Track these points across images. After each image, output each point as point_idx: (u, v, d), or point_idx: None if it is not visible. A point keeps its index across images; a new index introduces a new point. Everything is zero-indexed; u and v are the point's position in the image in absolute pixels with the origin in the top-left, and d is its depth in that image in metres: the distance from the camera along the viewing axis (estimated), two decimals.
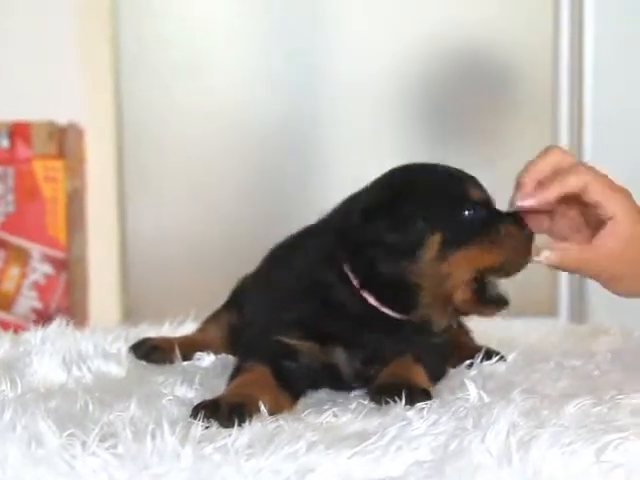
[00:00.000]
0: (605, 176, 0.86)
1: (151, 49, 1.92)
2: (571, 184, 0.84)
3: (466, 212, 0.83)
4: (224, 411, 0.76)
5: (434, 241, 0.82)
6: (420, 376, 0.85)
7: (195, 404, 0.79)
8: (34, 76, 1.89)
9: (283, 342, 0.87)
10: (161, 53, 1.92)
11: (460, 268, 0.83)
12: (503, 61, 1.91)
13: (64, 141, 1.83)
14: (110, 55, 1.89)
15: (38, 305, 1.85)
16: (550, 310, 1.80)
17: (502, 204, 0.87)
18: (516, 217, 0.86)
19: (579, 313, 1.80)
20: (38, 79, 1.89)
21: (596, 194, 0.84)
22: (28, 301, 1.84)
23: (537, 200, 0.84)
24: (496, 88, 1.90)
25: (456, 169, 0.88)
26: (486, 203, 0.86)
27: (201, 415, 0.75)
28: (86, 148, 1.92)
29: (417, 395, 0.80)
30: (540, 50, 1.88)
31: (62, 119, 1.85)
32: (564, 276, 1.83)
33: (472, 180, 0.87)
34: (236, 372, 0.87)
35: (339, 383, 0.89)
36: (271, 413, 0.78)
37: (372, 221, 0.83)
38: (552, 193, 0.84)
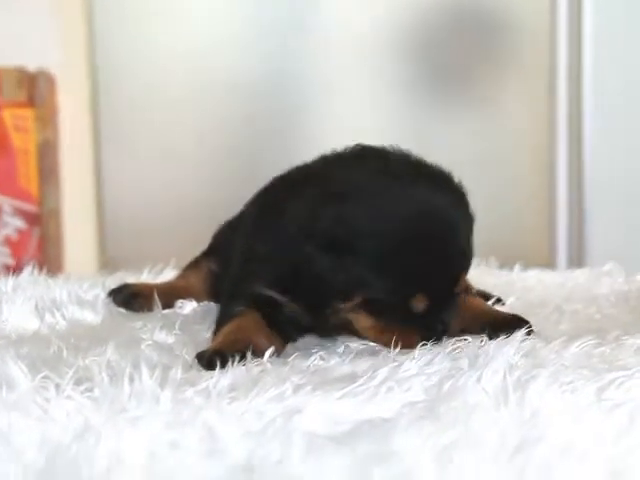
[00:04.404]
0: None
1: None
2: None
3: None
4: (231, 359, 0.74)
5: (355, 298, 0.79)
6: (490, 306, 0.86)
7: (196, 354, 0.77)
8: (2, 20, 1.81)
9: (267, 294, 0.84)
10: None
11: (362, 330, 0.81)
12: (500, 11, 1.87)
13: (34, 89, 1.76)
14: None
15: (10, 261, 1.79)
16: (547, 261, 1.78)
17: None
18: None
19: (578, 263, 1.78)
20: (6, 23, 1.81)
21: None
22: (0, 257, 1.79)
23: None
24: (493, 39, 1.86)
25: (440, 234, 0.78)
26: (427, 306, 0.78)
27: (216, 361, 0.74)
28: (58, 96, 1.85)
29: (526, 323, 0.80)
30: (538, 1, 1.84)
31: (32, 65, 1.77)
32: (562, 225, 1.80)
33: (430, 276, 0.77)
34: (224, 317, 0.84)
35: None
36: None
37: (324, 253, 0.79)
38: None
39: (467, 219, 0.82)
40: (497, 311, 0.85)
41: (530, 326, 0.80)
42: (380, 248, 0.77)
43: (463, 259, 0.80)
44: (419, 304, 0.78)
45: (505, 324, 0.80)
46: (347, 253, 0.78)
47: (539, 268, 1.23)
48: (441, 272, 0.78)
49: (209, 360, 0.76)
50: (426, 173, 0.83)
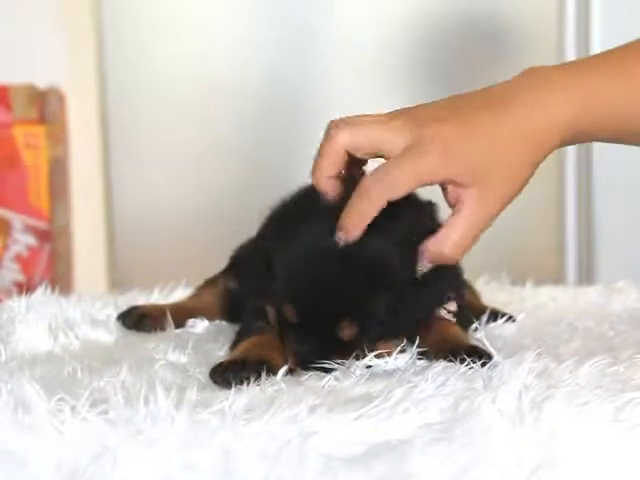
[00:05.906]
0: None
1: (135, 7, 1.86)
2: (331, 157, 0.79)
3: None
4: (251, 369, 0.75)
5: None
6: (463, 335, 0.83)
7: (214, 366, 0.77)
8: (11, 37, 1.82)
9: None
10: (145, 11, 1.86)
11: None
12: (507, 17, 1.86)
13: (45, 106, 1.77)
14: (92, 15, 1.83)
15: (21, 278, 1.80)
16: (556, 276, 1.77)
17: None
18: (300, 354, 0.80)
19: (587, 279, 1.76)
20: (15, 40, 1.82)
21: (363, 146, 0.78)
22: (10, 274, 1.80)
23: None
24: (501, 45, 1.85)
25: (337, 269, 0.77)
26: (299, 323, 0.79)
27: (230, 375, 0.74)
28: (68, 113, 1.86)
29: (485, 356, 0.78)
30: (546, 4, 1.83)
31: (42, 83, 1.78)
32: (571, 240, 1.79)
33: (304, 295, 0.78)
34: (244, 332, 0.85)
35: None
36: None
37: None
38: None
39: (384, 277, 0.78)
40: (460, 340, 0.82)
41: (486, 361, 0.77)
42: (285, 258, 0.79)
43: (342, 303, 0.78)
44: (289, 314, 0.79)
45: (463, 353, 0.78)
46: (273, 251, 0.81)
47: (549, 284, 1.23)
48: (314, 302, 0.78)
49: (222, 377, 0.76)
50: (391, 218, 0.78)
